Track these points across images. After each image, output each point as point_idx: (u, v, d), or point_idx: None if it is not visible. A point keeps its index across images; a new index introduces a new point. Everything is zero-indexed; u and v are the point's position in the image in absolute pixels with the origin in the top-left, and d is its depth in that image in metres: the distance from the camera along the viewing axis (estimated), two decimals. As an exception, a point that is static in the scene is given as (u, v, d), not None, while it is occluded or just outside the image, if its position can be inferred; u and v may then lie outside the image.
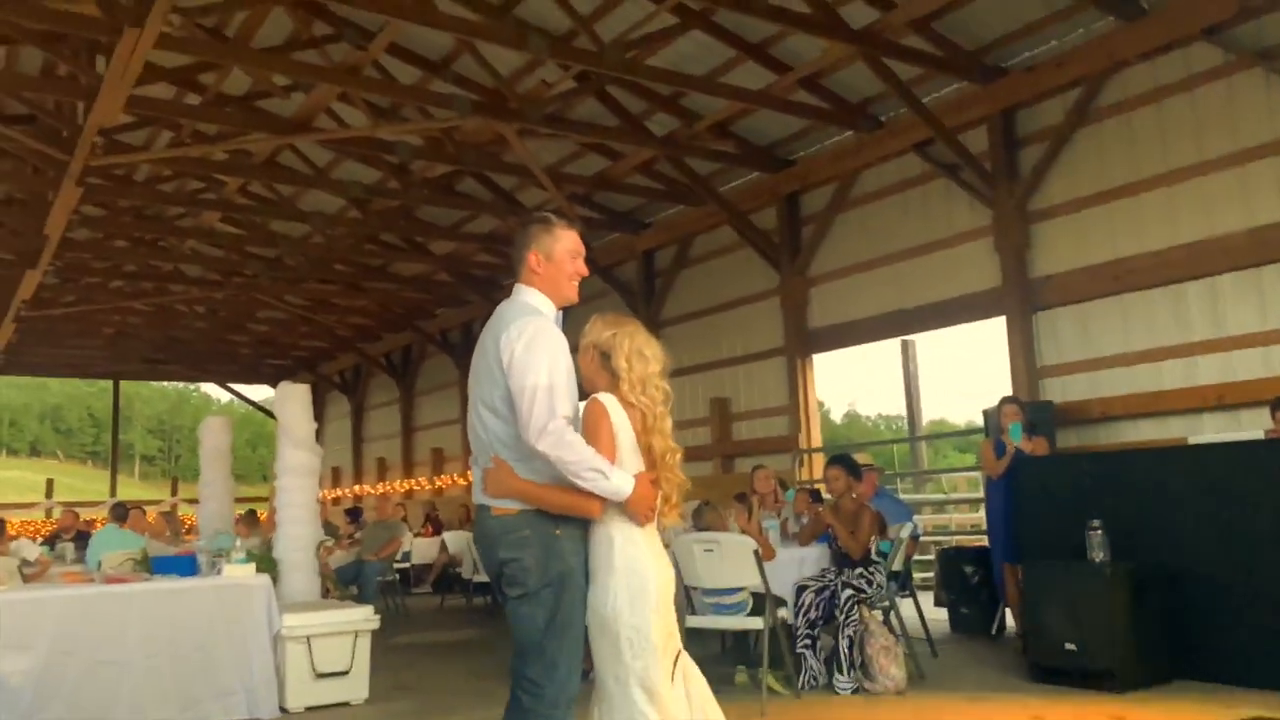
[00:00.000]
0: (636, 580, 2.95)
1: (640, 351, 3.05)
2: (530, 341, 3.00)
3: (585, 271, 3.26)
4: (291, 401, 7.56)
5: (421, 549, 13.57)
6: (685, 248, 13.22)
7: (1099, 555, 5.83)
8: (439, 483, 18.70)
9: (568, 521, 2.99)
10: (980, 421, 9.21)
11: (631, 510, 2.96)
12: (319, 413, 11.46)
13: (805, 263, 11.37)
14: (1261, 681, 5.37)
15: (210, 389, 45.26)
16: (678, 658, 3.02)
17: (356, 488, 22.06)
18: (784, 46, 9.43)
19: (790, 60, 9.55)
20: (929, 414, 27.26)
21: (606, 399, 3.04)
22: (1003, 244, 9.25)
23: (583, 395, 3.18)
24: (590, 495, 2.93)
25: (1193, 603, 5.73)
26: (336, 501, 21.70)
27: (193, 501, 14.06)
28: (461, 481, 17.80)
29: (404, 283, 16.68)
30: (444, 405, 19.18)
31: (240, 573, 5.83)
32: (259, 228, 14.40)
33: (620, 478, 2.91)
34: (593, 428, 3.01)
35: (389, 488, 19.89)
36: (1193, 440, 6.98)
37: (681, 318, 13.26)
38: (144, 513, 9.50)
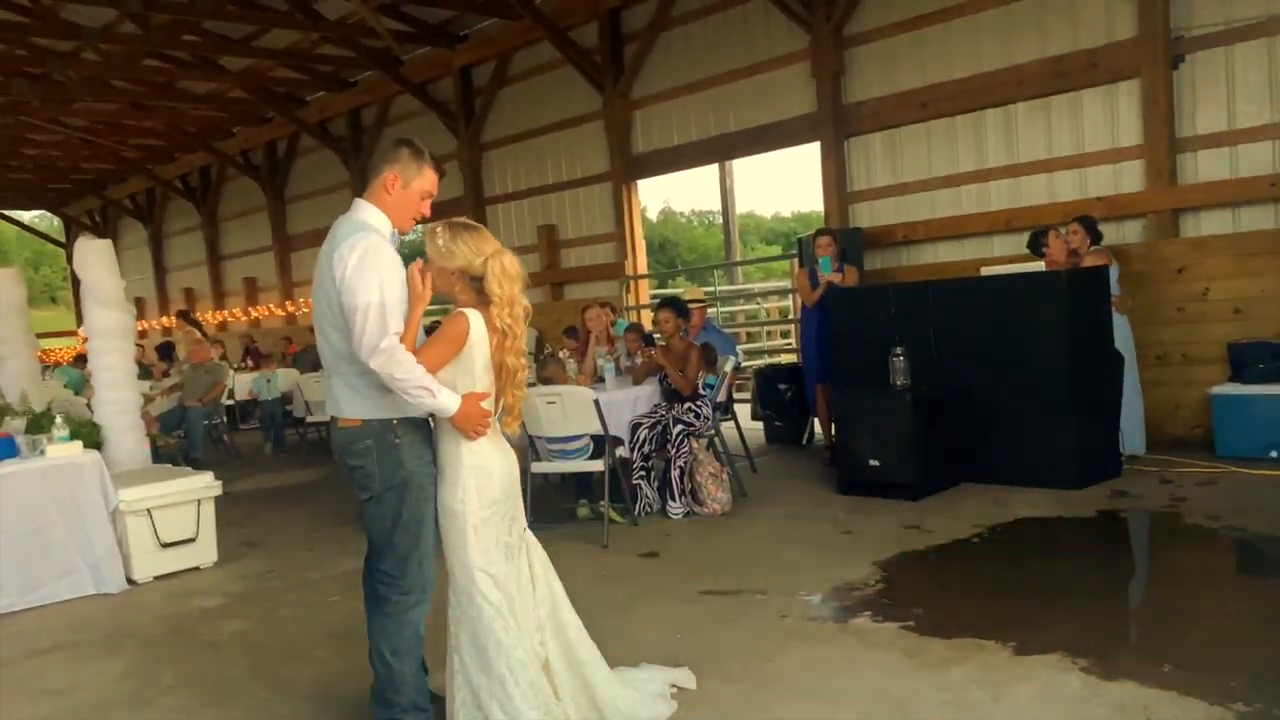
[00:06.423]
0: (484, 476, 3.17)
1: (507, 272, 3.10)
2: (362, 259, 3.02)
3: (428, 214, 3.28)
4: (93, 259, 7.06)
5: (244, 384, 13.22)
6: (504, 65, 12.72)
7: (899, 380, 6.47)
8: (255, 313, 18.03)
9: (406, 430, 3.15)
10: (796, 250, 9.67)
11: (459, 427, 3.11)
12: (113, 241, 10.45)
13: (629, 84, 11.23)
14: (1030, 480, 6.24)
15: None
16: (522, 536, 3.29)
17: (164, 319, 20.94)
18: None
19: None
20: (741, 207, 27.87)
21: (474, 316, 3.11)
22: (819, 69, 9.44)
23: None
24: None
25: (978, 418, 6.49)
26: (144, 335, 20.54)
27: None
28: (279, 312, 17.23)
29: (196, 101, 15.35)
30: (253, 232, 18.20)
31: (65, 451, 5.61)
32: (17, 43, 12.76)
33: (447, 396, 3.05)
34: (444, 336, 3.09)
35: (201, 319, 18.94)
36: (984, 268, 7.63)
37: (504, 140, 12.93)
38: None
